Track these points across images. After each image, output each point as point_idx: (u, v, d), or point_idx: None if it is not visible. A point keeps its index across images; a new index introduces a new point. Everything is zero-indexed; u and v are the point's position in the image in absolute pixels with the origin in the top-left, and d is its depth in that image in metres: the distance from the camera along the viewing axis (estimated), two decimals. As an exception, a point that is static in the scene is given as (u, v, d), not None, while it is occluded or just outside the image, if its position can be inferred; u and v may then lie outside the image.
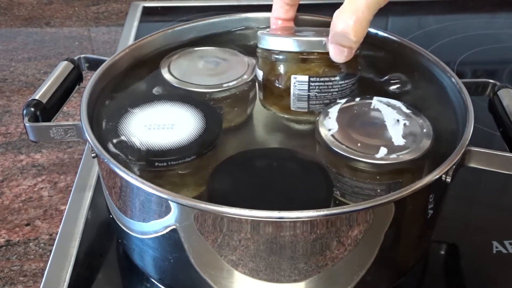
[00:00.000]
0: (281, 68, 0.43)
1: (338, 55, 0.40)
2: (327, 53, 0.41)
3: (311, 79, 0.42)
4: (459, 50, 0.75)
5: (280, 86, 0.43)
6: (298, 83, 0.42)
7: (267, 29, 0.48)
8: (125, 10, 0.91)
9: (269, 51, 0.43)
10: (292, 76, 0.42)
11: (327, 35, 0.41)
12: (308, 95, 0.42)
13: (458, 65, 0.70)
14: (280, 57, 0.43)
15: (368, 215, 0.33)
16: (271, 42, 0.43)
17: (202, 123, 0.40)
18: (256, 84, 0.46)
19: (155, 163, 0.37)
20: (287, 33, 0.46)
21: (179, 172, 0.38)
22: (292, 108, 0.43)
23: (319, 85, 0.42)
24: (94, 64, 0.48)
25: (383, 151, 0.37)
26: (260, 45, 0.44)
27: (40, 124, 0.41)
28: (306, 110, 0.43)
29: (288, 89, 0.43)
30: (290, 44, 0.42)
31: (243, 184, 0.37)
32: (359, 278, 0.37)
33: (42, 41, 0.82)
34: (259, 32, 0.45)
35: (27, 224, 0.49)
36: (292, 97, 0.43)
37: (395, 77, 0.47)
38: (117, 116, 0.41)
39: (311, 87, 0.42)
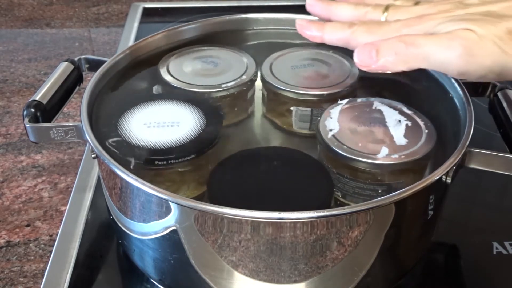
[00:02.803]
0: (285, 99, 0.45)
1: (364, 61, 0.36)
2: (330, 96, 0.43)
3: (313, 111, 0.44)
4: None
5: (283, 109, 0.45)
6: (301, 111, 0.44)
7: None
8: (125, 11, 0.91)
9: (274, 86, 0.45)
10: (294, 108, 0.44)
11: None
12: (310, 120, 0.44)
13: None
14: (285, 94, 0.45)
15: (368, 216, 0.33)
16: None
17: (202, 121, 0.40)
18: (255, 84, 0.47)
19: (155, 162, 0.37)
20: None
21: (179, 170, 0.38)
22: (294, 128, 0.45)
23: (321, 113, 0.42)
24: (94, 65, 0.48)
25: (384, 151, 0.37)
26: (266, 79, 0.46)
27: (41, 125, 0.41)
28: (307, 131, 0.44)
29: (290, 111, 0.44)
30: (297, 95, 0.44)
31: (243, 184, 0.37)
32: (359, 279, 0.37)
33: (43, 42, 0.82)
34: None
35: (27, 225, 0.49)
36: (294, 118, 0.44)
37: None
38: (117, 117, 0.41)
39: (313, 116, 0.44)
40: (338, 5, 0.42)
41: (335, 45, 0.40)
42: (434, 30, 0.35)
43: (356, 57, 0.37)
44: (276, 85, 0.45)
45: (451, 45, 0.33)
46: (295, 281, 0.35)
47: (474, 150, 0.37)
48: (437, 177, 0.34)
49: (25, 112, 0.41)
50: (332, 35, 0.39)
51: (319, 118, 0.41)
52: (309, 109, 0.44)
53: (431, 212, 0.38)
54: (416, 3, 0.40)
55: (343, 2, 0.43)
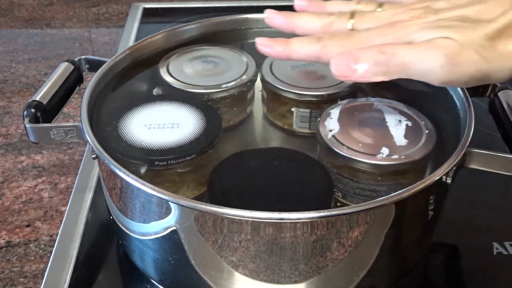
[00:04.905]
0: (285, 99, 0.45)
1: (343, 72, 0.35)
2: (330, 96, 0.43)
3: (313, 112, 0.44)
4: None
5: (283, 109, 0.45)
6: (301, 112, 0.44)
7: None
8: (125, 11, 0.91)
9: (274, 86, 0.45)
10: (294, 108, 0.44)
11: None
12: (310, 121, 0.44)
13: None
14: (286, 94, 0.44)
15: (369, 216, 0.33)
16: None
17: (202, 122, 0.40)
18: (255, 84, 0.47)
19: (155, 162, 0.37)
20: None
21: (179, 171, 0.38)
22: (294, 127, 0.45)
23: (321, 113, 0.42)
24: (94, 65, 0.48)
25: (384, 151, 0.37)
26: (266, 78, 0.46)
27: (41, 125, 0.41)
28: (307, 130, 0.45)
29: (290, 111, 0.44)
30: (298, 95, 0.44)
31: (243, 184, 0.37)
32: (359, 279, 0.37)
33: (43, 42, 0.82)
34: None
35: (28, 225, 0.49)
36: (295, 118, 0.44)
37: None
38: (117, 117, 0.41)
39: (312, 116, 0.44)
40: (300, 16, 0.40)
41: (304, 61, 0.40)
42: (409, 38, 0.34)
43: (333, 68, 0.34)
44: (276, 85, 0.45)
45: (432, 55, 0.32)
46: (295, 282, 0.35)
47: (474, 150, 0.37)
48: (437, 178, 0.34)
49: (25, 113, 0.41)
50: (300, 51, 0.37)
51: (319, 119, 0.41)
52: (309, 109, 0.44)
53: (431, 212, 0.38)
54: (380, 6, 0.38)
55: (305, 13, 0.40)
